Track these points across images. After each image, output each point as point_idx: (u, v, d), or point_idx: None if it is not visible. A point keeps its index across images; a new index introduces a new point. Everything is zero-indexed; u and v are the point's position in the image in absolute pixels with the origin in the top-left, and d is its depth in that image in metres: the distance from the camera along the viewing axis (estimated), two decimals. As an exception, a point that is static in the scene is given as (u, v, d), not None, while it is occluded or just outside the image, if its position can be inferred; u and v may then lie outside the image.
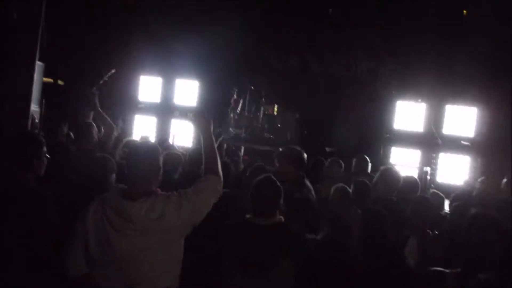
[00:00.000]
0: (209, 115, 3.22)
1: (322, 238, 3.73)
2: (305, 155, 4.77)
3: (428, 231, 4.26)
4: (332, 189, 4.70)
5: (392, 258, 3.67)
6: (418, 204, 4.42)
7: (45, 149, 3.39)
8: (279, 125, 10.72)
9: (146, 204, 2.81)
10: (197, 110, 3.31)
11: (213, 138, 3.17)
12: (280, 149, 4.97)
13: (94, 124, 5.39)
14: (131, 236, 2.79)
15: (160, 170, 2.97)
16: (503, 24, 9.20)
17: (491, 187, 5.21)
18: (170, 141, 8.24)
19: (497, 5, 9.20)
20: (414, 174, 8.91)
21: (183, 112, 10.55)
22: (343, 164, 6.00)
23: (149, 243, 2.80)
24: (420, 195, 5.03)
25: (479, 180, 5.12)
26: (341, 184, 4.82)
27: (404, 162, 9.46)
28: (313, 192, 4.63)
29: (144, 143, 3.77)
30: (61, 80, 10.74)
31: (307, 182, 4.69)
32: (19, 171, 3.23)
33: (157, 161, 2.95)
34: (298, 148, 4.87)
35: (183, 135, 10.26)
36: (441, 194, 5.69)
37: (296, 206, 3.84)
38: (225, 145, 6.25)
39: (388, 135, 9.73)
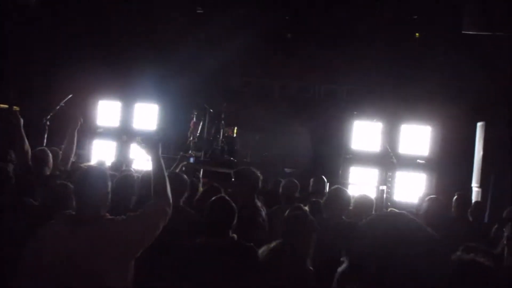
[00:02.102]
0: (157, 138, 3.24)
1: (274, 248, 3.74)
2: (259, 176, 4.79)
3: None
4: (288, 210, 4.73)
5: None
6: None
7: None
8: (238, 147, 10.76)
9: (93, 229, 2.80)
10: (145, 134, 3.32)
11: (162, 162, 3.18)
12: (233, 170, 4.99)
13: (48, 151, 5.32)
14: (79, 262, 2.75)
15: (108, 195, 2.97)
16: (454, 45, 9.54)
17: (439, 205, 5.29)
18: (130, 165, 8.16)
19: (446, 27, 9.54)
20: (372, 193, 9.09)
21: (132, 136, 10.48)
22: (298, 184, 6.04)
23: (98, 268, 2.77)
24: (372, 214, 5.08)
25: (426, 198, 5.20)
26: (297, 205, 4.86)
27: (362, 181, 9.60)
28: (263, 213, 4.64)
29: (92, 169, 3.75)
30: (16, 106, 10.55)
31: (258, 203, 4.71)
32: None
33: (105, 187, 2.95)
34: (252, 169, 4.89)
35: (143, 159, 10.19)
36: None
37: (244, 227, 3.86)
38: (183, 168, 6.22)
39: (347, 155, 9.87)
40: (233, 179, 4.78)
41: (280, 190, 5.93)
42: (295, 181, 6.05)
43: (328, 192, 5.20)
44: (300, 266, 3.60)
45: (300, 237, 3.67)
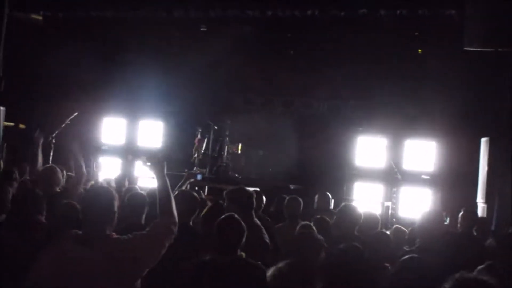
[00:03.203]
0: (162, 157, 3.26)
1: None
2: (252, 194, 4.82)
3: (387, 265, 4.33)
4: (297, 227, 4.77)
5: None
6: (376, 240, 4.50)
7: None
8: (243, 164, 10.78)
9: (99, 249, 2.81)
10: (150, 153, 3.34)
11: (167, 180, 3.19)
12: (225, 192, 4.98)
13: (57, 169, 5.37)
14: (85, 282, 2.76)
15: (115, 214, 2.98)
16: (457, 60, 9.58)
17: (434, 219, 5.28)
18: (133, 182, 8.18)
19: (449, 43, 9.58)
20: (377, 209, 9.07)
21: (137, 155, 10.52)
22: (301, 201, 6.03)
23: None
24: (378, 231, 5.10)
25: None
26: (304, 223, 4.88)
27: (367, 197, 9.58)
28: (263, 231, 4.64)
29: (99, 188, 3.78)
30: (23, 123, 10.65)
31: (257, 221, 4.71)
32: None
33: (111, 206, 2.96)
34: (243, 188, 4.93)
35: (147, 177, 10.21)
36: (403, 229, 5.78)
37: (247, 246, 3.87)
38: (188, 185, 6.25)
39: (352, 171, 9.86)
40: (225, 202, 4.79)
41: (284, 208, 5.94)
42: (298, 198, 6.05)
43: (340, 209, 5.23)
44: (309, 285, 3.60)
45: (308, 256, 3.68)
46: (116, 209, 2.99)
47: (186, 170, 10.22)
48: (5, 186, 4.50)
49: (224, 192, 4.93)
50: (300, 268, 3.61)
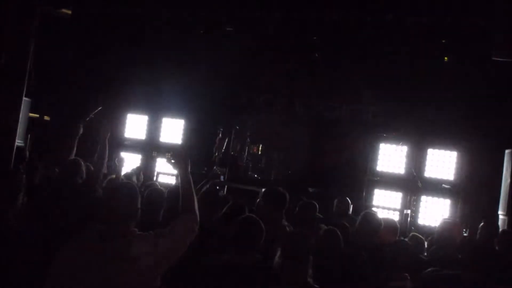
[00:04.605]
0: (186, 154, 3.27)
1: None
2: (287, 196, 4.83)
3: (406, 274, 4.31)
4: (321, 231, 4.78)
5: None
6: (395, 248, 4.48)
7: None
8: (263, 165, 10.80)
9: (122, 245, 2.83)
10: (175, 150, 3.36)
11: (190, 178, 3.20)
12: (264, 189, 5.05)
13: (81, 161, 5.44)
14: (107, 277, 2.78)
15: (138, 211, 2.99)
16: (483, 70, 9.47)
17: (453, 229, 5.24)
18: (151, 178, 8.25)
19: (476, 52, 9.48)
20: (396, 216, 9.02)
21: (161, 152, 10.61)
22: (317, 205, 5.99)
23: (125, 284, 2.80)
24: (397, 239, 5.08)
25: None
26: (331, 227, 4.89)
27: (386, 204, 9.53)
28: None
29: (123, 184, 3.80)
30: (47, 115, 10.80)
31: (285, 222, 4.73)
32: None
33: (135, 202, 2.97)
34: (281, 189, 4.93)
35: (168, 172, 10.29)
36: (421, 237, 5.74)
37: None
38: (207, 185, 6.31)
39: (373, 177, 9.80)
40: (260, 199, 4.82)
41: (297, 210, 5.88)
42: (314, 202, 6.01)
43: (361, 216, 5.22)
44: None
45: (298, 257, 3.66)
46: (139, 205, 3.01)
47: (205, 169, 10.33)
48: (19, 175, 4.52)
49: (262, 191, 4.99)
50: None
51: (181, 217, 3.09)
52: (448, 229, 5.36)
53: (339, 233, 4.55)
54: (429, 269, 3.47)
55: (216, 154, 10.60)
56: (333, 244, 4.00)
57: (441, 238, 5.26)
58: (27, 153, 7.01)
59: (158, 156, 10.57)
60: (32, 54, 5.51)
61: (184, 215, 3.09)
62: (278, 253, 3.59)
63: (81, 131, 5.80)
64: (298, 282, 3.46)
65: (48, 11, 9.13)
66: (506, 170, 8.66)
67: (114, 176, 6.36)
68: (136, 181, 6.64)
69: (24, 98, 6.47)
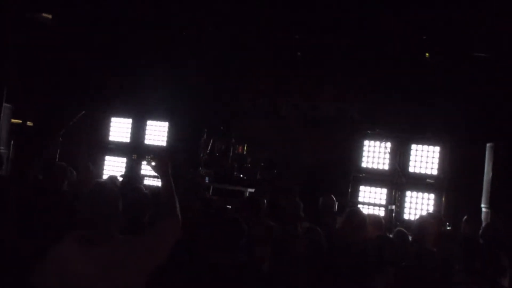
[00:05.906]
0: (167, 157, 3.25)
1: None
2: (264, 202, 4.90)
3: (390, 269, 4.35)
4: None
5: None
6: (379, 243, 4.52)
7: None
8: (248, 165, 10.81)
9: (105, 249, 2.81)
10: (155, 153, 3.32)
11: (171, 180, 3.16)
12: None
13: (67, 167, 5.41)
14: (91, 283, 2.76)
15: (119, 215, 2.96)
16: (464, 65, 9.59)
17: (432, 222, 5.30)
18: (139, 181, 8.23)
19: (456, 48, 9.59)
20: (381, 212, 9.10)
21: (141, 154, 10.60)
22: (301, 203, 6.03)
23: None
24: (379, 234, 5.13)
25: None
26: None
27: (372, 200, 9.60)
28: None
29: (102, 188, 3.77)
30: (30, 121, 10.71)
31: (271, 223, 4.76)
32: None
33: (116, 206, 2.95)
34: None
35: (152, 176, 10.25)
36: (406, 232, 5.80)
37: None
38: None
39: (358, 174, 9.86)
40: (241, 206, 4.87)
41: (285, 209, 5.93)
42: (297, 199, 6.05)
43: (346, 213, 5.28)
44: None
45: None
46: (120, 208, 2.98)
47: (191, 170, 10.32)
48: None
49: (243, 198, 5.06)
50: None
51: (163, 219, 3.05)
52: (424, 222, 5.44)
53: (320, 230, 4.60)
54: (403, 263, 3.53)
55: (201, 155, 10.59)
56: (314, 242, 4.03)
57: (416, 232, 5.36)
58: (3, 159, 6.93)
59: (139, 158, 10.56)
60: (11, 60, 5.46)
61: (166, 217, 3.05)
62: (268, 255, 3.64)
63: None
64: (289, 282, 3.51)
65: (29, 16, 9.07)
66: (488, 163, 8.78)
67: (97, 180, 6.35)
68: (119, 185, 6.61)
69: (4, 104, 6.42)
